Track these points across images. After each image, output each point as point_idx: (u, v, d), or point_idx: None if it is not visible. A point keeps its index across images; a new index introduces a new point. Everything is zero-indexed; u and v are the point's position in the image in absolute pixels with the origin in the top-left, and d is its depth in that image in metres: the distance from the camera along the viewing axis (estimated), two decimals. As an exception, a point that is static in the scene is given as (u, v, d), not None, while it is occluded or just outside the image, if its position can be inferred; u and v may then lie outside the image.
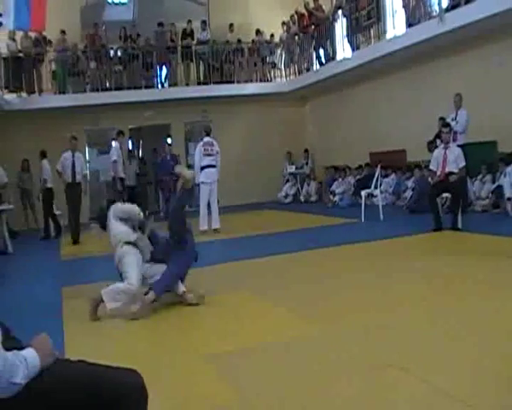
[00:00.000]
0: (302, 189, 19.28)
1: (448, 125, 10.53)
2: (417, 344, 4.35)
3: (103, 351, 4.70)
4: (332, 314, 5.32)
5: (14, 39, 17.35)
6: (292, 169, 19.56)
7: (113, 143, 12.11)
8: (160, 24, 19.08)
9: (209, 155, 12.36)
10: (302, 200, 18.80)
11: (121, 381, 2.21)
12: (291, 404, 3.47)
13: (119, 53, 18.85)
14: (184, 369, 4.24)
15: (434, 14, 12.53)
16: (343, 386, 3.64)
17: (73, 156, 12.97)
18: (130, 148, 20.06)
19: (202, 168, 12.34)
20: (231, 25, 19.90)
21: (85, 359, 2.30)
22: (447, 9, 11.94)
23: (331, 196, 16.80)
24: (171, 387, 3.92)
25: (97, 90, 18.13)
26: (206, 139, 12.60)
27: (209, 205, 12.57)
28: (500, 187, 11.31)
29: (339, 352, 4.31)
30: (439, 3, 12.12)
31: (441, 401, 3.30)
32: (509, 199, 10.91)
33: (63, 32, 18.14)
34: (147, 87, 18.62)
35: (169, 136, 19.60)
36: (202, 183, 12.40)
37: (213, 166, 12.43)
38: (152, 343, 5.23)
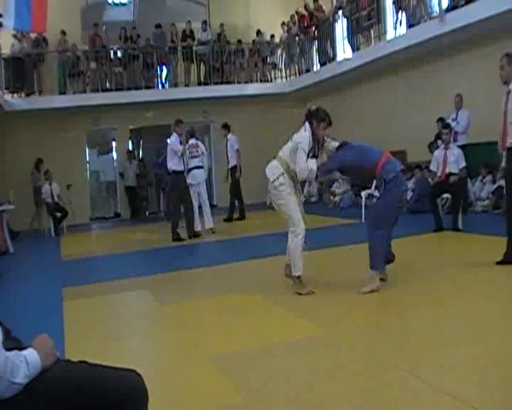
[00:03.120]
0: (303, 189, 19.26)
1: (448, 125, 10.54)
2: (422, 345, 4.34)
3: (104, 352, 4.69)
4: (336, 315, 5.32)
5: (19, 40, 17.34)
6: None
7: (174, 135, 12.13)
8: (158, 25, 19.00)
9: (195, 156, 12.44)
10: (303, 200, 18.73)
11: (122, 382, 2.20)
12: (297, 404, 3.46)
13: (119, 54, 18.85)
14: (188, 369, 4.24)
15: (435, 14, 12.53)
16: (348, 386, 3.64)
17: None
18: (130, 148, 20.08)
19: (189, 170, 12.46)
20: (222, 24, 19.85)
21: (86, 360, 2.29)
22: (447, 10, 11.94)
23: (332, 197, 16.79)
24: (175, 388, 3.92)
25: (97, 91, 18.14)
26: (191, 141, 12.69)
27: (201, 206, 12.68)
28: (500, 188, 11.29)
29: (343, 352, 4.31)
30: (440, 4, 12.12)
31: (445, 402, 3.29)
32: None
33: (63, 32, 18.14)
34: (147, 88, 18.61)
35: (169, 137, 19.59)
36: (190, 185, 12.50)
37: (200, 168, 12.53)
38: (154, 343, 5.24)
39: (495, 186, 11.77)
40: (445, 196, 10.22)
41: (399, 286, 6.14)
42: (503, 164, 7.08)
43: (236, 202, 15.05)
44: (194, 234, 12.06)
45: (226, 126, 14.82)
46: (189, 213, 12.13)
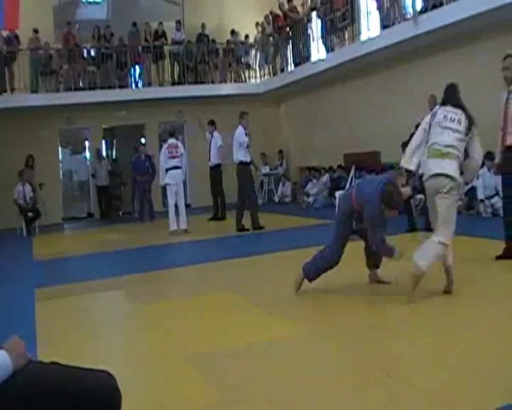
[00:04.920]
0: (277, 190, 19.31)
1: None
2: (401, 345, 4.37)
3: (78, 353, 4.65)
4: (314, 315, 5.32)
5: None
6: (266, 170, 19.60)
7: (240, 127, 12.09)
8: (134, 24, 18.97)
9: (174, 157, 12.41)
10: (277, 200, 18.82)
11: (96, 384, 2.18)
12: (275, 404, 3.46)
13: (92, 52, 18.70)
14: (164, 370, 4.21)
15: (408, 16, 12.62)
16: (326, 387, 3.64)
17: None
18: (104, 148, 19.96)
19: (167, 170, 12.43)
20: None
21: (58, 361, 2.26)
22: (421, 12, 12.03)
23: (305, 197, 16.84)
24: (151, 389, 3.89)
25: (70, 90, 17.98)
26: (171, 141, 12.68)
27: (177, 206, 12.65)
28: (473, 189, 11.42)
29: (323, 353, 4.31)
30: (414, 6, 12.21)
31: (424, 403, 3.31)
32: (481, 200, 11.02)
33: (36, 30, 17.93)
34: (120, 87, 18.50)
35: (143, 136, 19.53)
36: (167, 184, 12.54)
37: (178, 168, 12.51)
38: (129, 344, 5.20)
39: (467, 187, 11.87)
40: (419, 196, 10.26)
41: (374, 286, 6.16)
42: (497, 160, 7.14)
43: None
44: (258, 226, 11.99)
45: (213, 123, 14.71)
46: (254, 204, 12.19)
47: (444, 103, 5.86)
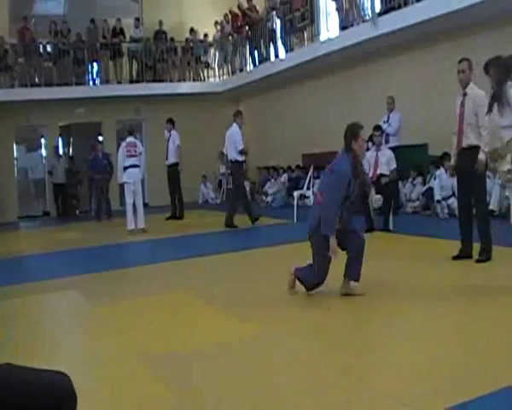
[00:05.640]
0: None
1: (380, 127, 10.71)
2: (353, 344, 4.39)
3: (31, 354, 4.57)
4: (268, 315, 5.31)
5: None
6: (224, 169, 19.56)
7: (235, 125, 12.06)
8: (92, 20, 18.76)
9: (132, 155, 12.32)
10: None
11: (50, 385, 2.14)
12: (228, 405, 3.44)
13: (49, 48, 18.43)
14: (118, 371, 4.16)
15: (367, 17, 12.73)
16: (280, 388, 3.64)
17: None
18: (60, 145, 19.68)
19: (125, 168, 12.35)
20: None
21: (12, 362, 2.21)
22: (380, 14, 12.15)
23: (264, 197, 16.86)
24: (105, 390, 3.83)
25: (26, 86, 17.69)
26: (129, 140, 12.58)
27: (135, 205, 12.54)
28: (430, 189, 11.58)
29: (275, 353, 4.30)
30: (373, 7, 12.32)
31: (387, 404, 3.32)
32: (438, 201, 11.18)
33: (-10, 24, 17.64)
34: (78, 84, 18.30)
35: (100, 134, 19.32)
36: (125, 183, 12.46)
37: (136, 167, 12.42)
38: (84, 345, 5.13)
39: (425, 188, 12.04)
40: (377, 196, 10.36)
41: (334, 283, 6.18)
42: (452, 162, 7.26)
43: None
44: (255, 219, 12.16)
45: (172, 122, 14.60)
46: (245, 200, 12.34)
47: None
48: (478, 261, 6.77)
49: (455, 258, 6.97)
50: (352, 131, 5.93)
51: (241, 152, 12.02)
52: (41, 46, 18.38)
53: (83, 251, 10.69)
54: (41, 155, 20.22)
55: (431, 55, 12.26)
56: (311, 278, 5.71)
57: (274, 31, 16.55)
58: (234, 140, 11.99)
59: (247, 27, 18.06)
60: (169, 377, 3.96)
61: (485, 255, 6.78)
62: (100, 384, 3.91)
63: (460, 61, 6.98)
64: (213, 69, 20.42)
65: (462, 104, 6.91)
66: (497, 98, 5.67)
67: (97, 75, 19.04)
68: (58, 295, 7.14)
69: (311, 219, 5.69)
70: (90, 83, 18.95)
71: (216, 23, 19.98)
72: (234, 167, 12.32)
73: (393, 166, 10.17)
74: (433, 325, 4.71)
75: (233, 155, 12.09)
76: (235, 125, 12.21)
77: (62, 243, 11.78)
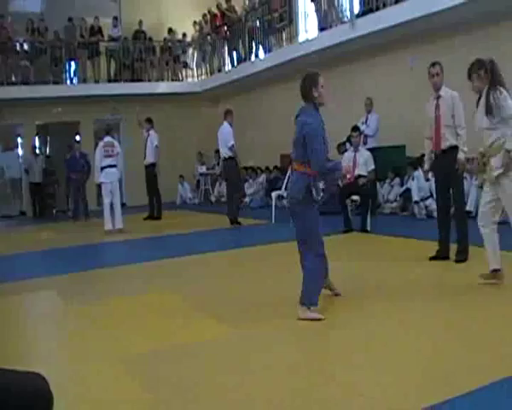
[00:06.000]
0: (213, 189, 19.25)
1: (358, 128, 10.76)
2: (332, 346, 4.40)
3: (7, 355, 4.54)
4: (248, 315, 5.31)
5: None
6: (203, 170, 19.54)
7: (225, 123, 12.09)
8: (70, 19, 18.62)
9: (110, 155, 12.27)
10: (213, 200, 18.76)
11: (26, 386, 2.12)
12: (206, 405, 3.44)
13: (25, 46, 18.26)
14: (96, 371, 4.14)
15: (346, 19, 12.79)
16: (258, 389, 3.64)
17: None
18: (37, 144, 19.49)
19: (103, 168, 12.29)
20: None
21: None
22: (358, 15, 12.21)
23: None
24: (82, 390, 3.81)
25: (2, 85, 17.51)
26: (107, 139, 12.51)
27: (113, 205, 12.51)
28: (408, 190, 11.65)
29: (254, 354, 4.30)
30: (351, 9, 12.38)
31: (362, 404, 3.33)
32: (416, 202, 11.25)
33: (-35, 21, 17.44)
34: (55, 83, 18.15)
35: (78, 133, 19.18)
36: (102, 183, 12.42)
37: (114, 167, 12.38)
38: (63, 345, 5.09)
39: (403, 189, 12.11)
40: (355, 197, 10.42)
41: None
42: (427, 167, 7.38)
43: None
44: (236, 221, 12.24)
45: (150, 121, 14.49)
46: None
47: None
48: (457, 261, 6.84)
49: (432, 258, 7.02)
50: (311, 80, 5.61)
51: (232, 148, 12.01)
52: (18, 44, 18.20)
53: (59, 251, 10.60)
54: (17, 154, 20.03)
55: (409, 56, 12.33)
56: (318, 249, 5.26)
57: (253, 31, 16.55)
58: (224, 138, 12.03)
59: (225, 27, 18.06)
60: (147, 377, 3.94)
61: (463, 255, 6.85)
62: (78, 386, 3.88)
63: (433, 65, 7.00)
64: (192, 69, 20.38)
65: (438, 107, 6.94)
66: (483, 103, 5.59)
67: (75, 74, 18.92)
68: (34, 295, 7.08)
69: (294, 193, 5.44)
70: (68, 82, 18.82)
71: (195, 23, 19.95)
72: (227, 165, 12.32)
73: (371, 167, 10.22)
74: (411, 325, 4.74)
75: (225, 151, 12.15)
76: (225, 123, 12.28)
77: (39, 243, 11.69)
